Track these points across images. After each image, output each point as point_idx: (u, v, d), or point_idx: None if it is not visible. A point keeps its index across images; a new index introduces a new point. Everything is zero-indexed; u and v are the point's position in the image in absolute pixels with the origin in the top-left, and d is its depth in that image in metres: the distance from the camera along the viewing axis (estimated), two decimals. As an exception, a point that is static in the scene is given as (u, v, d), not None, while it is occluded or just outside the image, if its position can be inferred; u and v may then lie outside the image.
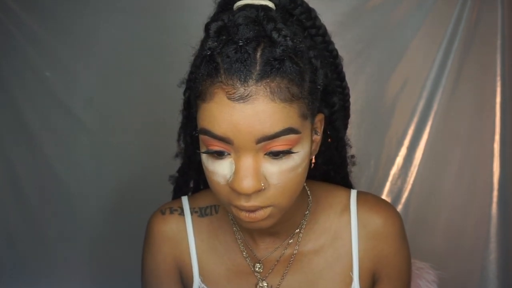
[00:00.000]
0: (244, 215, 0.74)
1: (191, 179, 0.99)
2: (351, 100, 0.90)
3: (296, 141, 0.71)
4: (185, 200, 0.94)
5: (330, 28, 0.86)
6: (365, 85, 1.48)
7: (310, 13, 0.82)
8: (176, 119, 0.91)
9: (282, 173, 0.71)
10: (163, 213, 0.93)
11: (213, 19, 0.75)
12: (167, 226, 0.92)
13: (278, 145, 0.70)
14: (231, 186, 0.71)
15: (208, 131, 0.71)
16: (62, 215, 1.47)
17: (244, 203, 0.72)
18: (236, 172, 0.71)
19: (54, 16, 1.42)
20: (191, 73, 0.78)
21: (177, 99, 0.88)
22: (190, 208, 0.93)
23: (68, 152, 1.48)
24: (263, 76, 0.68)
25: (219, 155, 0.72)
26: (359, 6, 1.45)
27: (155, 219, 0.93)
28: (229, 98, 0.68)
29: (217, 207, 0.92)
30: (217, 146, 0.71)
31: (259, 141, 0.69)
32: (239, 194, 0.72)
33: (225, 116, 0.69)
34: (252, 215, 0.73)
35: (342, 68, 0.88)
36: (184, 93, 0.86)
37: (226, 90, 0.69)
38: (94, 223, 1.48)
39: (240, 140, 0.69)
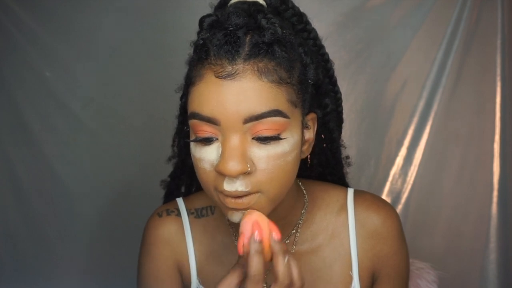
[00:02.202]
0: (229, 201, 0.73)
1: (182, 184, 0.99)
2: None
3: (285, 126, 0.71)
4: (180, 201, 0.93)
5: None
6: (365, 85, 1.48)
7: (301, 17, 0.83)
8: (176, 119, 0.92)
9: (270, 158, 0.71)
10: (160, 216, 0.92)
11: (208, 15, 0.77)
12: (165, 229, 0.91)
13: (265, 128, 0.70)
14: (217, 168, 0.71)
15: (196, 114, 0.71)
16: (62, 215, 1.47)
17: (229, 187, 0.71)
18: (222, 154, 0.71)
19: (54, 16, 1.42)
20: (187, 71, 0.79)
21: (177, 99, 0.88)
22: (187, 210, 0.92)
23: (68, 152, 1.48)
24: (251, 56, 0.70)
25: (207, 141, 0.72)
26: (359, 6, 1.45)
27: (152, 222, 0.92)
28: (217, 77, 0.70)
29: (213, 208, 0.92)
30: (205, 132, 0.71)
31: (246, 121, 0.69)
32: (224, 177, 0.71)
33: (212, 95, 0.70)
34: (239, 200, 0.72)
35: (333, 72, 0.88)
36: (181, 99, 0.86)
37: (215, 70, 0.70)
38: (94, 223, 1.48)
39: (227, 120, 0.69)
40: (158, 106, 1.43)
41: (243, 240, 0.69)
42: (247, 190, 0.71)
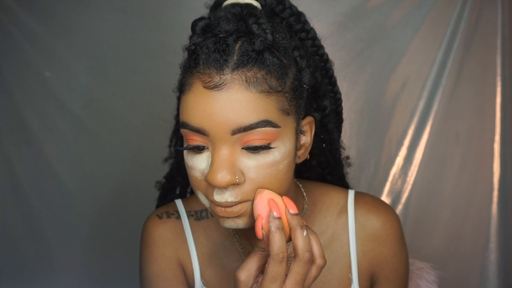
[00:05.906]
0: (219, 210, 0.72)
1: (177, 186, 0.98)
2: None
3: (275, 136, 0.70)
4: (179, 203, 0.93)
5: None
6: (365, 85, 1.48)
7: (299, 16, 0.81)
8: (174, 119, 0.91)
9: (260, 167, 0.70)
10: (160, 217, 0.91)
11: (200, 18, 0.75)
12: (166, 230, 0.90)
13: (255, 139, 0.69)
14: (206, 179, 0.70)
15: (186, 124, 0.70)
16: (62, 215, 1.47)
17: (218, 198, 0.71)
18: (211, 165, 0.70)
19: (54, 16, 1.42)
20: (180, 75, 0.78)
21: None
22: (186, 212, 0.91)
23: (68, 152, 1.48)
24: (239, 65, 0.68)
25: (199, 149, 0.71)
26: (359, 6, 1.45)
27: (152, 224, 0.91)
28: (204, 87, 0.68)
29: None
30: (195, 141, 0.71)
31: (234, 132, 0.68)
32: (214, 187, 0.70)
33: (200, 105, 0.69)
34: (228, 209, 0.72)
35: (333, 72, 0.87)
36: (178, 98, 0.85)
37: (203, 80, 0.69)
38: (93, 223, 1.48)
39: (215, 131, 0.68)
40: (158, 106, 1.43)
41: (260, 222, 0.68)
42: (236, 200, 0.71)
